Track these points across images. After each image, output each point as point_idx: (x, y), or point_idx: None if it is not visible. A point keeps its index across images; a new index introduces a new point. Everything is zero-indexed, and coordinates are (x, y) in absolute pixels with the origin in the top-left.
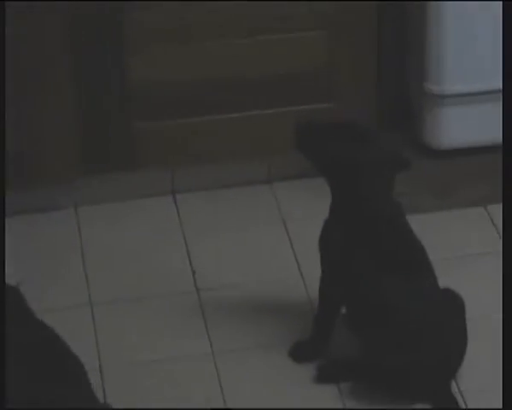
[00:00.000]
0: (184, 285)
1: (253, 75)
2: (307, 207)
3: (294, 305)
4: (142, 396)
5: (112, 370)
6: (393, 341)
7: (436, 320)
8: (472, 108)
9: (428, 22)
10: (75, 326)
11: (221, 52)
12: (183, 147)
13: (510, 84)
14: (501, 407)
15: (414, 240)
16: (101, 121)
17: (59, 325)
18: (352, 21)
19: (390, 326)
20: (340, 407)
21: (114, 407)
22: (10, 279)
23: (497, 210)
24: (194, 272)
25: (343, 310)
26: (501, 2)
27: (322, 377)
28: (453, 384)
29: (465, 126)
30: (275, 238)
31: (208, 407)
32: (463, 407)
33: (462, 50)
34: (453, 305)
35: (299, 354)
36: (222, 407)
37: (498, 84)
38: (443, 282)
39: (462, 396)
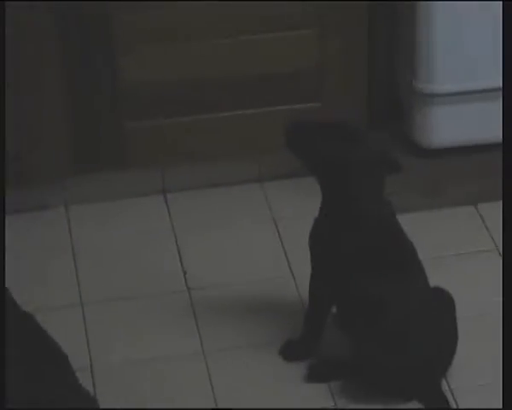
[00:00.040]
0: (175, 285)
1: (242, 74)
2: (298, 206)
3: (285, 304)
4: (132, 396)
5: (102, 369)
6: (384, 340)
7: (426, 319)
8: (462, 107)
9: (418, 22)
10: (65, 326)
11: (211, 52)
12: (173, 146)
13: (510, 84)
14: (495, 405)
15: (404, 239)
16: (91, 121)
17: (49, 324)
18: (342, 21)
19: (380, 325)
20: (331, 405)
21: (105, 406)
22: None
23: (487, 209)
24: (185, 272)
25: (334, 309)
26: (489, 3)
27: (313, 376)
28: (443, 383)
29: (455, 125)
30: (265, 237)
31: None
32: (454, 405)
33: (451, 49)
34: (443, 304)
35: (289, 353)
36: (213, 405)
37: (488, 83)
38: (433, 281)
39: (452, 395)
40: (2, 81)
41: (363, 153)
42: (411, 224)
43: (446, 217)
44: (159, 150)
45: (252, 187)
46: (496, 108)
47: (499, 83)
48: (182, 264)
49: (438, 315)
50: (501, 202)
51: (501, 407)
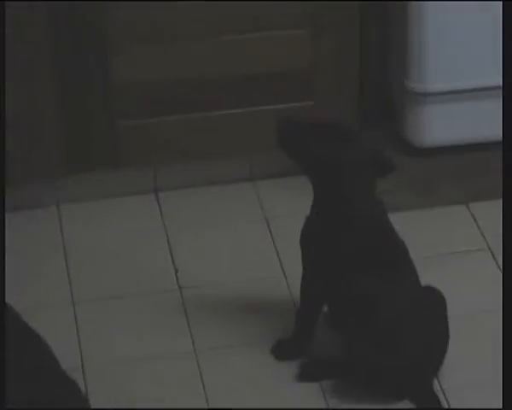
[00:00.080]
0: (167, 283)
1: (235, 74)
2: (290, 204)
3: (277, 303)
4: (123, 395)
5: (94, 368)
6: (375, 339)
7: (418, 318)
8: (454, 107)
9: (410, 21)
10: (57, 325)
11: (203, 51)
12: (165, 145)
13: (510, 84)
14: (486, 404)
15: (395, 238)
16: (83, 120)
17: (40, 323)
18: (334, 20)
19: (372, 324)
20: (323, 405)
21: (97, 405)
22: None
23: (478, 208)
24: (176, 270)
25: (325, 308)
26: (481, 2)
27: (305, 376)
28: (435, 382)
29: (447, 124)
30: (257, 236)
31: None
32: (445, 405)
33: (443, 49)
34: (435, 303)
35: (281, 352)
36: (205, 404)
37: (480, 82)
38: (425, 280)
39: (443, 394)
40: (2, 81)
41: (356, 152)
42: (403, 223)
43: (438, 216)
44: (150, 149)
45: (244, 186)
46: (487, 107)
47: (491, 82)
48: (173, 263)
49: (429, 314)
50: (492, 202)
51: (495, 405)
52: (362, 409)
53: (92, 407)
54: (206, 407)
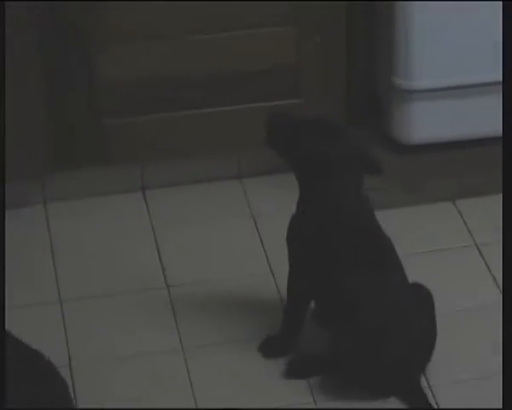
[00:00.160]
0: (154, 282)
1: (222, 71)
2: (277, 202)
3: (264, 300)
4: (111, 393)
5: (81, 367)
6: (362, 336)
7: (405, 315)
8: (440, 104)
9: (396, 19)
10: (44, 323)
11: (190, 49)
12: (152, 143)
13: (510, 84)
14: (473, 401)
15: (381, 235)
16: (70, 119)
17: (28, 322)
18: (321, 18)
19: (358, 321)
20: (310, 401)
21: (84, 403)
22: None
23: (465, 205)
24: (163, 269)
25: (313, 305)
26: (466, 2)
27: (292, 372)
28: (422, 379)
29: (433, 121)
30: (245, 234)
31: None
32: (433, 401)
33: (429, 46)
34: (422, 299)
35: (268, 349)
36: (192, 402)
37: (466, 79)
38: (412, 277)
39: (431, 391)
40: (3, 81)
41: (342, 150)
42: (390, 220)
43: (424, 213)
44: (137, 147)
45: (231, 184)
46: (473, 104)
47: (477, 79)
48: (161, 261)
49: (416, 311)
50: (479, 198)
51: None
52: (349, 408)
53: (80, 404)
54: (193, 404)
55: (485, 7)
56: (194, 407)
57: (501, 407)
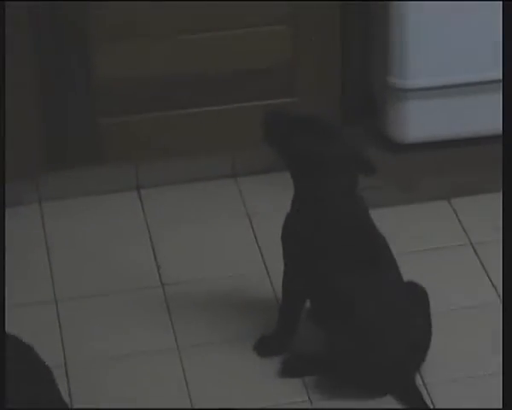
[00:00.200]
0: (149, 280)
1: (217, 70)
2: (272, 201)
3: (259, 299)
4: (106, 392)
5: (77, 366)
6: (357, 335)
7: (400, 314)
8: (435, 102)
9: (391, 18)
10: (39, 323)
11: (185, 48)
12: (147, 142)
13: (510, 83)
14: (468, 400)
15: (376, 234)
16: (65, 117)
17: (22, 321)
18: (316, 17)
19: (353, 320)
20: (305, 401)
21: (79, 402)
22: None
23: (460, 203)
24: (159, 267)
25: (308, 304)
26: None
27: (287, 372)
28: (418, 378)
29: (428, 120)
30: (240, 233)
31: None
32: (428, 400)
33: (424, 45)
34: (417, 298)
35: (263, 348)
36: (187, 401)
37: (461, 78)
38: (407, 275)
39: (426, 390)
40: (3, 81)
41: (337, 149)
42: (385, 218)
43: (420, 212)
44: (132, 146)
45: (226, 182)
46: (469, 102)
47: (472, 78)
48: (156, 260)
49: (412, 310)
50: (474, 197)
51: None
52: (345, 408)
53: (75, 404)
54: (188, 403)
55: (481, 7)
56: (189, 405)
57: (498, 405)
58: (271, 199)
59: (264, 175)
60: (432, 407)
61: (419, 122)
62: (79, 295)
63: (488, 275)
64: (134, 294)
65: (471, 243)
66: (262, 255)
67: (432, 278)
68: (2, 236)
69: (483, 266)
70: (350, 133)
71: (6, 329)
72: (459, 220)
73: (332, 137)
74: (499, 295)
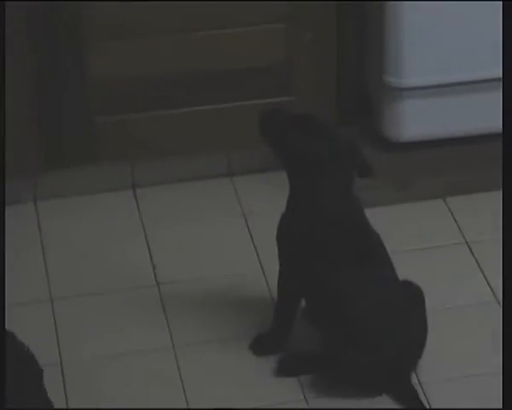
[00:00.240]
0: (145, 279)
1: (213, 69)
2: (267, 200)
3: (255, 298)
4: (102, 391)
5: (72, 365)
6: (352, 334)
7: (395, 312)
8: (431, 101)
9: (387, 17)
10: (35, 321)
11: (181, 47)
12: (142, 141)
13: (510, 84)
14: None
15: (371, 233)
16: (61, 117)
17: (18, 320)
18: (312, 16)
19: (349, 319)
20: (301, 399)
21: (75, 401)
22: None
23: (455, 202)
24: (154, 266)
25: (303, 303)
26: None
27: (283, 370)
28: (413, 376)
29: (424, 119)
30: (235, 232)
31: None
32: (424, 398)
33: (419, 44)
34: (413, 297)
35: (259, 347)
36: (182, 400)
37: (455, 76)
38: (403, 274)
39: (422, 388)
40: (3, 81)
41: (334, 149)
42: (380, 217)
43: (415, 210)
44: (128, 145)
45: (222, 181)
46: (464, 101)
47: (466, 77)
48: (151, 259)
49: (407, 308)
50: (469, 196)
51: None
52: (340, 408)
53: (70, 402)
54: (184, 402)
55: (475, 7)
56: (185, 404)
57: (494, 404)
58: (267, 198)
59: (260, 174)
60: (427, 405)
61: (414, 121)
62: (75, 293)
63: (483, 274)
64: (129, 293)
65: (466, 242)
66: (258, 255)
67: (427, 277)
68: (3, 235)
69: (478, 264)
70: (345, 132)
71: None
72: (454, 219)
73: (328, 136)
74: (495, 294)
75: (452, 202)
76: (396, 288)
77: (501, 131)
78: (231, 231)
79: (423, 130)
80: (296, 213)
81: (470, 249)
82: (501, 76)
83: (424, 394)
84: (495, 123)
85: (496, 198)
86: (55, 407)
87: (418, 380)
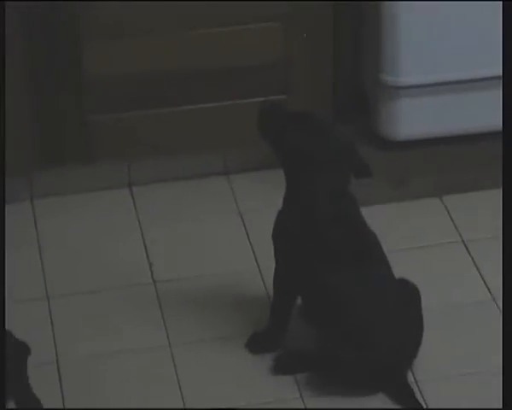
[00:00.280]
0: (141, 277)
1: (209, 67)
2: (264, 198)
3: (251, 297)
4: (98, 389)
5: (68, 363)
6: (348, 332)
7: (391, 311)
8: (427, 100)
9: (383, 15)
10: (31, 319)
11: (176, 44)
12: (139, 139)
13: (510, 84)
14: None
15: (367, 232)
16: (56, 115)
17: (14, 318)
18: (308, 14)
19: (345, 318)
20: (297, 397)
21: (71, 399)
22: None
23: (452, 201)
24: (151, 265)
25: (300, 301)
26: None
27: (279, 368)
28: (409, 374)
29: (420, 117)
30: (231, 230)
31: None
32: (420, 397)
33: (416, 42)
34: (409, 295)
35: (255, 345)
36: (179, 398)
37: (452, 75)
38: (399, 272)
39: (418, 387)
40: (3, 81)
41: (331, 147)
42: (376, 216)
43: (411, 209)
44: (124, 144)
45: (217, 180)
46: (460, 100)
47: (463, 75)
48: (148, 257)
49: (403, 307)
50: (466, 194)
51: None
52: (336, 408)
53: (66, 400)
54: (180, 400)
55: (471, 6)
56: (181, 403)
57: (490, 402)
58: (263, 197)
59: (256, 173)
60: (423, 404)
61: (411, 119)
62: (71, 292)
63: (480, 272)
64: (126, 291)
65: (463, 241)
66: (254, 253)
67: (423, 276)
68: (2, 234)
69: (474, 263)
70: (344, 130)
71: None
72: (451, 218)
73: (327, 134)
74: (491, 293)
75: (448, 201)
76: (392, 286)
77: (497, 130)
78: (227, 229)
79: (419, 128)
80: (292, 210)
81: (466, 248)
82: (497, 74)
83: (420, 392)
84: (491, 121)
85: (492, 197)
86: (53, 405)
87: (414, 378)
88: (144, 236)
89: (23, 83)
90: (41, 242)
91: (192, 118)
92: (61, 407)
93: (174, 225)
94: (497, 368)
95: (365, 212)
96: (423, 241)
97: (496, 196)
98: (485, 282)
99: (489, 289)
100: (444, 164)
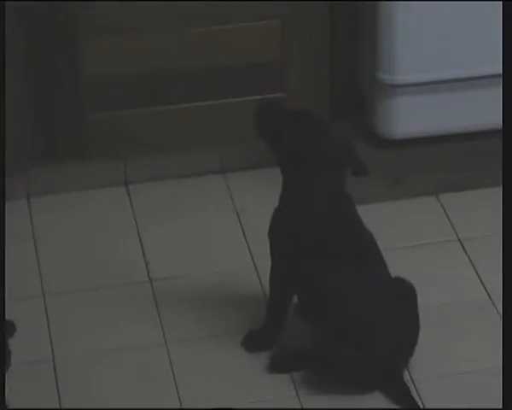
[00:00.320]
0: (137, 275)
1: (205, 65)
2: (260, 197)
3: (247, 295)
4: (94, 387)
5: (64, 361)
6: (345, 330)
7: (387, 309)
8: (424, 98)
9: (380, 14)
10: (27, 317)
11: (173, 43)
12: (135, 138)
13: (510, 84)
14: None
15: (363, 230)
16: (53, 113)
17: (10, 316)
18: (305, 12)
19: (341, 316)
20: (293, 396)
21: (67, 397)
22: None
23: (448, 199)
24: (147, 263)
25: (296, 299)
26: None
27: (275, 367)
28: (405, 373)
29: (417, 116)
30: (228, 228)
31: None
32: (416, 395)
33: (413, 41)
34: (405, 294)
35: (251, 343)
36: (175, 396)
37: (448, 73)
38: (395, 271)
39: (414, 385)
40: (3, 81)
41: (328, 145)
42: (373, 214)
43: (408, 207)
44: (121, 142)
45: (214, 178)
46: (457, 98)
47: (459, 74)
48: (144, 255)
49: (399, 305)
50: (462, 193)
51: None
52: (332, 408)
53: (62, 398)
54: (176, 397)
55: (468, 6)
56: (176, 400)
57: (486, 401)
58: (260, 195)
59: (253, 171)
60: (420, 402)
61: (407, 118)
62: (67, 289)
63: (476, 271)
64: (122, 289)
65: (459, 239)
66: (250, 251)
67: (419, 274)
68: (2, 233)
69: (471, 261)
70: (342, 129)
71: None
72: (447, 216)
73: (324, 133)
74: (487, 291)
75: (445, 199)
76: (388, 285)
77: (493, 128)
78: (224, 227)
79: (416, 127)
80: (289, 209)
81: (463, 246)
82: (492, 73)
83: (416, 390)
84: (487, 120)
85: (489, 195)
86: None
87: (410, 377)
88: (140, 234)
89: (20, 81)
90: (37, 239)
91: (189, 116)
92: (56, 404)
93: (170, 223)
94: (494, 367)
95: (362, 210)
96: (420, 239)
97: (492, 195)
98: (481, 280)
99: (485, 288)
100: (440, 162)
